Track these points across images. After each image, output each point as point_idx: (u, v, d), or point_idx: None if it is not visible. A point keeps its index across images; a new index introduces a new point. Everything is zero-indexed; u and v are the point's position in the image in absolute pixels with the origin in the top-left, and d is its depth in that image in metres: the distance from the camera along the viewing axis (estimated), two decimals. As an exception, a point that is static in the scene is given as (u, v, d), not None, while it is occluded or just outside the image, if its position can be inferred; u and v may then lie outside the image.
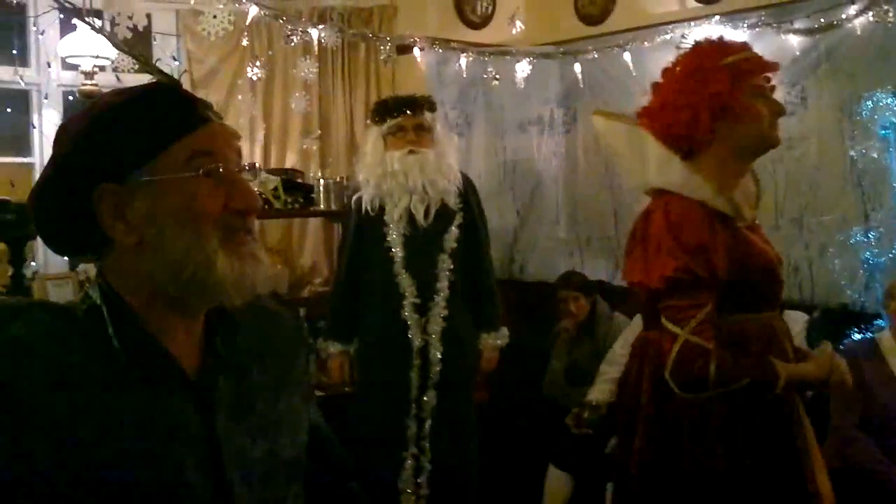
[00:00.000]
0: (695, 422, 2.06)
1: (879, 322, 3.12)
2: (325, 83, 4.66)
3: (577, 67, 4.34)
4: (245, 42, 4.36)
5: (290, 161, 4.65)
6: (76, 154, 1.03)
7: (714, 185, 2.02)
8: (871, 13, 3.35)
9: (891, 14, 3.29)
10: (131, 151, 1.01)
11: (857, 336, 3.14)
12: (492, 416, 3.92)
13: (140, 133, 1.02)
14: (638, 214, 2.13)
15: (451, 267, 3.31)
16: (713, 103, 2.02)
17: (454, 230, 3.34)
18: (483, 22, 4.74)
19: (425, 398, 3.28)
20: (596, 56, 4.26)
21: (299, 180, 4.32)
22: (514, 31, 4.53)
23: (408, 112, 3.30)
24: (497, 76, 4.41)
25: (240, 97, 4.53)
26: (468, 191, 3.44)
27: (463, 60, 4.42)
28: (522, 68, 4.43)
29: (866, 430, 2.89)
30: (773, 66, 2.10)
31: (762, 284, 2.08)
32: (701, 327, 1.95)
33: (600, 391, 3.55)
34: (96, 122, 1.03)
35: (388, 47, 4.26)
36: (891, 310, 2.95)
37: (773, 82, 2.14)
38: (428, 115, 3.37)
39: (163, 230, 1.01)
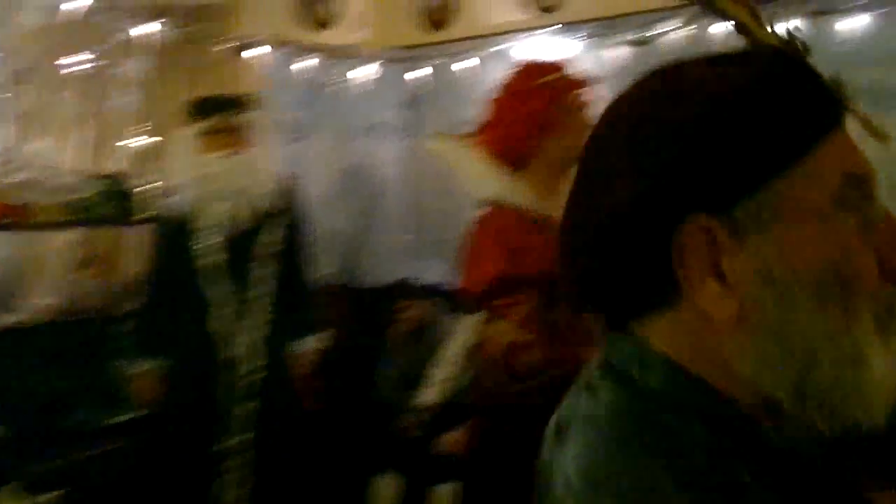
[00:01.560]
0: (526, 411, 2.12)
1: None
2: (161, 82, 4.47)
3: (421, 73, 4.35)
4: (73, 34, 4.13)
5: (117, 164, 4.41)
6: (673, 166, 0.64)
7: (536, 193, 2.19)
8: (693, 26, 3.53)
9: (706, 30, 3.48)
10: (750, 165, 0.63)
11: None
12: (323, 423, 3.84)
13: (772, 137, 0.64)
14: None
15: (271, 271, 3.21)
16: (533, 120, 2.20)
17: (273, 233, 3.23)
18: (328, 24, 4.69)
19: (243, 410, 3.14)
20: (439, 62, 4.29)
21: (127, 185, 4.10)
22: (359, 35, 4.51)
23: (226, 112, 3.16)
24: (341, 79, 4.37)
25: (65, 94, 4.28)
26: (286, 192, 3.33)
27: (307, 62, 4.35)
28: (367, 72, 4.41)
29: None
30: (585, 83, 2.29)
31: None
32: (524, 323, 2.08)
33: (432, 394, 3.53)
34: (714, 117, 0.65)
35: (227, 46, 4.14)
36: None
37: (605, 93, 2.28)
38: (247, 116, 3.23)
39: (787, 300, 0.62)
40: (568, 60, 2.34)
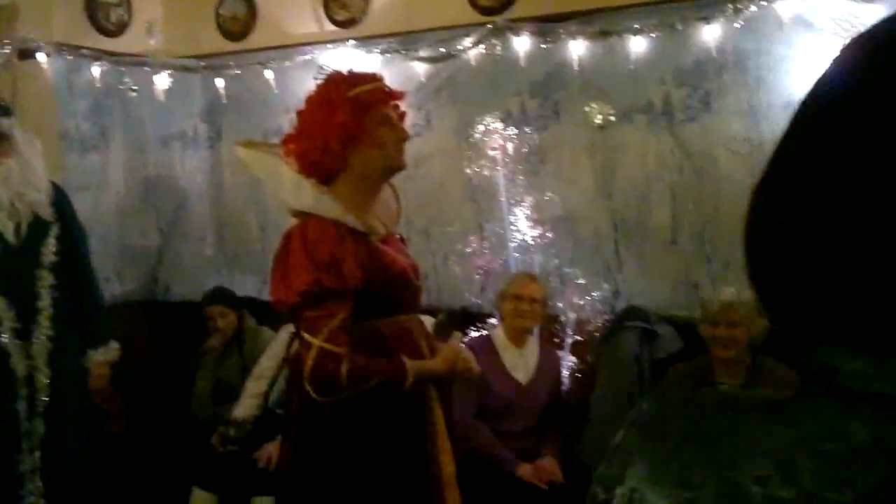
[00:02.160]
0: (336, 422, 2.19)
1: (492, 321, 3.49)
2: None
3: (220, 83, 4.33)
4: None
5: None
6: None
7: (345, 204, 2.17)
8: (482, 46, 3.75)
9: (498, 48, 3.72)
10: None
11: (475, 333, 3.48)
12: (132, 443, 3.75)
13: None
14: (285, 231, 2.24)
15: (53, 283, 3.07)
16: (341, 133, 2.18)
17: (51, 243, 3.09)
18: (118, 30, 4.52)
19: (32, 428, 3.01)
20: (238, 73, 4.28)
21: None
22: (152, 42, 4.40)
23: None
24: (135, 87, 4.26)
25: None
26: (61, 200, 3.19)
27: (96, 69, 4.20)
28: (163, 81, 4.32)
29: (483, 418, 3.21)
30: (397, 96, 2.31)
31: (396, 291, 2.25)
32: (334, 335, 2.08)
33: (247, 407, 3.54)
34: None
35: (7, 51, 3.92)
36: (502, 309, 3.33)
37: (402, 107, 2.35)
38: (3, 122, 3.05)
39: None
40: (376, 73, 2.34)
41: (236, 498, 3.43)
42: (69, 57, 4.12)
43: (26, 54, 4.01)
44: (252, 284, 4.33)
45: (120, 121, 4.47)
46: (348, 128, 2.18)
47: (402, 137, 2.28)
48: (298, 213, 2.22)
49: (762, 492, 0.55)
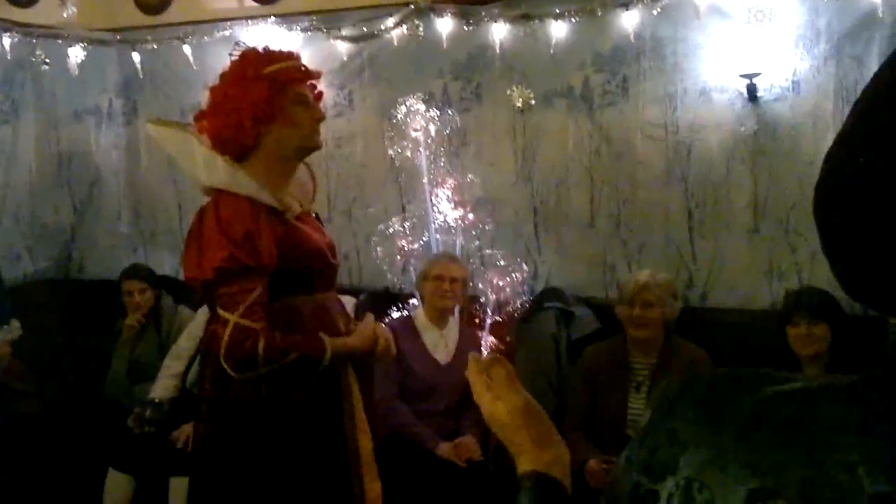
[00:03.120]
0: (251, 400, 2.18)
1: (414, 301, 3.51)
2: None
3: (136, 57, 4.22)
4: None
5: None
6: None
7: (260, 181, 2.14)
8: (405, 26, 3.74)
9: (421, 28, 3.71)
10: None
11: (396, 314, 3.50)
12: (48, 424, 3.67)
13: None
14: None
15: None
16: (254, 110, 2.15)
17: None
18: (29, 1, 4.36)
19: None
20: (156, 47, 4.18)
21: None
22: (65, 14, 4.25)
23: None
24: (47, 60, 4.11)
25: None
26: None
27: (6, 40, 4.04)
28: (76, 54, 4.18)
29: (404, 398, 3.23)
30: (313, 75, 2.28)
31: (312, 269, 2.25)
32: (249, 311, 2.06)
33: (164, 387, 3.49)
34: None
35: None
36: (423, 290, 3.35)
37: (322, 86, 2.33)
38: None
39: None
40: (293, 51, 2.30)
41: (153, 479, 3.38)
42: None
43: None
44: (169, 263, 4.26)
45: (31, 94, 4.33)
46: (262, 106, 2.16)
47: (317, 118, 2.26)
48: (212, 191, 2.18)
49: (849, 481, 0.54)
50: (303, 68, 2.26)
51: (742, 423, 0.60)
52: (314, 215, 2.45)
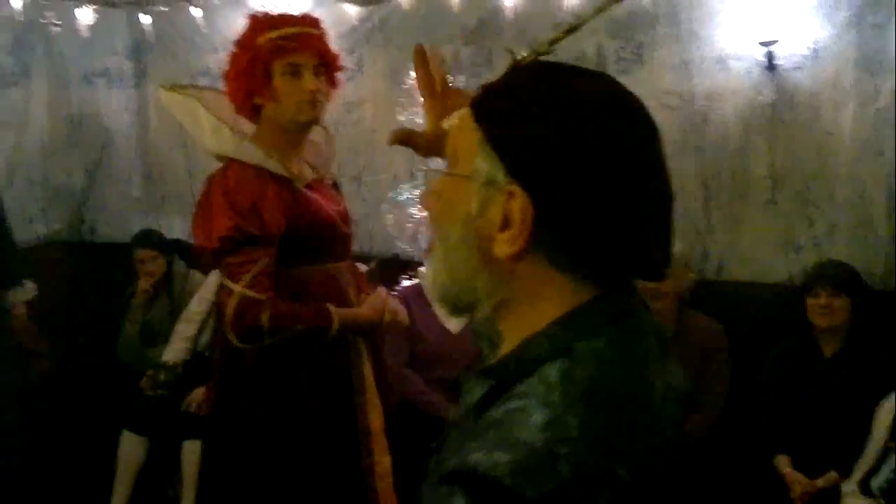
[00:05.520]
0: (258, 370, 2.18)
1: (423, 269, 3.49)
2: None
3: (146, 20, 4.18)
4: None
5: None
6: None
7: (267, 150, 2.12)
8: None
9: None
10: None
11: (406, 282, 3.48)
12: (62, 385, 3.72)
13: None
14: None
15: None
16: (241, 82, 2.13)
17: None
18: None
19: None
20: (165, 9, 4.13)
21: None
22: (75, -25, 4.20)
23: None
24: (58, 22, 4.08)
25: None
26: None
27: (17, 2, 4.01)
28: (86, 16, 4.14)
29: (415, 366, 3.24)
30: (309, 44, 2.14)
31: (322, 238, 2.22)
32: (255, 281, 2.05)
33: (176, 350, 3.52)
34: None
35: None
36: (433, 259, 3.32)
37: (335, 50, 2.24)
38: None
39: None
40: (304, 14, 2.22)
41: (167, 442, 3.43)
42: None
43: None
44: (180, 227, 4.25)
45: (43, 57, 4.30)
46: (247, 78, 2.12)
47: (310, 89, 2.13)
48: (221, 157, 2.17)
49: None
50: (297, 36, 2.14)
51: None
52: (332, 182, 2.42)
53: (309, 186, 2.24)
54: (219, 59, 2.23)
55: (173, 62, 4.25)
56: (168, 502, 3.48)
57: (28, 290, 3.22)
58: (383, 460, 2.28)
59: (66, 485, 3.44)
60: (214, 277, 3.39)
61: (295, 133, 2.22)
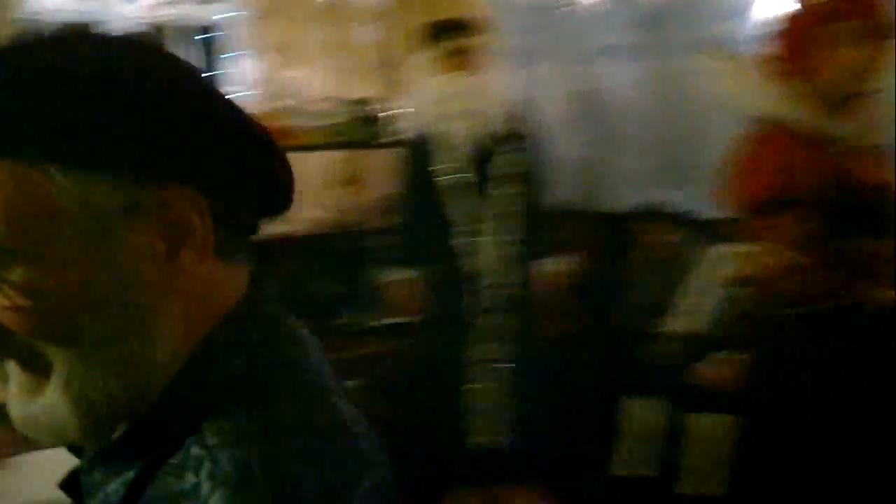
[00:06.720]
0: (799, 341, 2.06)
1: None
2: (400, 7, 4.46)
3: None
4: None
5: (363, 90, 4.50)
6: None
7: (821, 110, 2.10)
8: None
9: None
10: None
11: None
12: (569, 345, 3.86)
13: None
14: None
15: (510, 192, 3.31)
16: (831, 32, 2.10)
17: (511, 156, 3.30)
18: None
19: (487, 322, 3.27)
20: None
21: (373, 109, 4.20)
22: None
23: (459, 34, 3.24)
24: (569, 2, 4.28)
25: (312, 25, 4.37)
26: (524, 117, 3.44)
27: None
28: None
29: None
30: None
31: None
32: (797, 244, 2.01)
33: (678, 321, 3.53)
34: None
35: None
36: None
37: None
38: (478, 39, 3.29)
39: None
40: None
41: (675, 410, 3.38)
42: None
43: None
44: (692, 199, 4.14)
45: (555, 35, 4.51)
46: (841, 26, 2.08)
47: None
48: (760, 119, 2.14)
49: None
50: None
51: None
52: None
53: None
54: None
55: (685, 33, 4.17)
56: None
57: (568, 260, 3.59)
58: None
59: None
60: (726, 251, 3.32)
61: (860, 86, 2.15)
